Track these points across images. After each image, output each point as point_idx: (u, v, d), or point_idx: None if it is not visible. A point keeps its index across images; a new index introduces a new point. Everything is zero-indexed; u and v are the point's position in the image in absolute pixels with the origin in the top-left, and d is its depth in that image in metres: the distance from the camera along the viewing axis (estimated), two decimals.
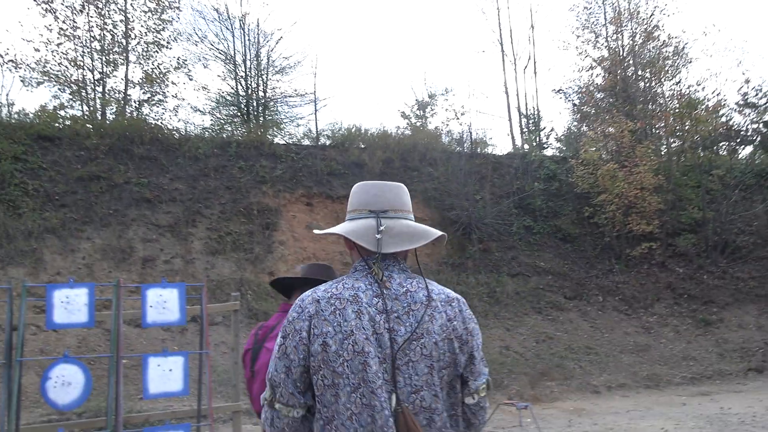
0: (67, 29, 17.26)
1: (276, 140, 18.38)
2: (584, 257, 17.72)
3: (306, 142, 18.92)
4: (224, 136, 18.01)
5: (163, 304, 7.22)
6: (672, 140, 20.20)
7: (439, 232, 1.89)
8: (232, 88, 20.15)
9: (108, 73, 18.01)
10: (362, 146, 18.29)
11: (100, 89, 17.91)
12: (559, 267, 17.04)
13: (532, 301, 15.71)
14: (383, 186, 1.85)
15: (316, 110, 19.94)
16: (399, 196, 1.88)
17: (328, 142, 18.64)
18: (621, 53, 21.35)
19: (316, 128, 19.35)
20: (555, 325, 15.07)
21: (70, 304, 6.82)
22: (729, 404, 10.18)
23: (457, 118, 23.94)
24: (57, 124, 15.57)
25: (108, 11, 17.91)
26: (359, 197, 1.86)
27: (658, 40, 20.86)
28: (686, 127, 19.04)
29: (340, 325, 1.59)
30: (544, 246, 17.65)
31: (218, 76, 22.31)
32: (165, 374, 7.00)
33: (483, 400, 1.74)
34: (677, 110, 19.09)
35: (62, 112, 16.57)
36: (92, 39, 17.64)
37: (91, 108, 17.44)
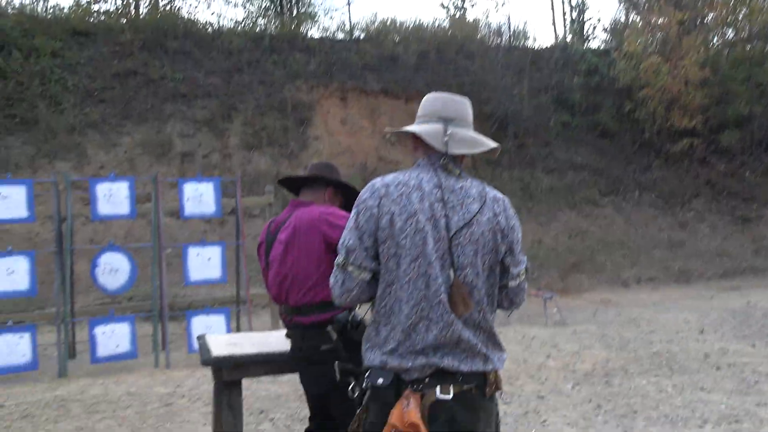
0: None
1: (310, 33, 18.08)
2: (622, 153, 17.45)
3: (340, 35, 18.56)
4: (257, 29, 17.75)
5: (199, 197, 7.51)
6: (723, 31, 19.17)
7: (495, 143, 2.15)
8: None
9: None
10: (397, 39, 17.88)
11: None
12: (595, 163, 16.86)
13: (566, 196, 15.71)
14: (452, 97, 2.13)
15: (349, 2, 19.39)
16: (465, 108, 2.14)
17: (362, 36, 18.26)
18: None
19: (350, 21, 18.94)
20: (588, 221, 15.12)
21: (113, 197, 7.13)
22: (757, 299, 10.28)
23: (497, 9, 22.90)
24: (91, 20, 15.55)
25: None
26: (431, 105, 2.11)
27: None
28: (740, 17, 18.03)
29: (405, 207, 1.87)
30: (581, 142, 17.39)
31: None
32: (204, 263, 7.39)
33: (523, 282, 2.09)
34: None
35: (96, 7, 16.47)
36: None
37: (124, 2, 17.28)
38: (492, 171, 15.88)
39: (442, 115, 2.08)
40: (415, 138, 2.08)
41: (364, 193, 1.95)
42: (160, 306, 7.35)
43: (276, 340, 3.25)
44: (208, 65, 15.37)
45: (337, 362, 2.20)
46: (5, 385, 6.29)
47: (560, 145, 17.04)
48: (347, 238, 1.91)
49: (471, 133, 2.10)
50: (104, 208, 7.20)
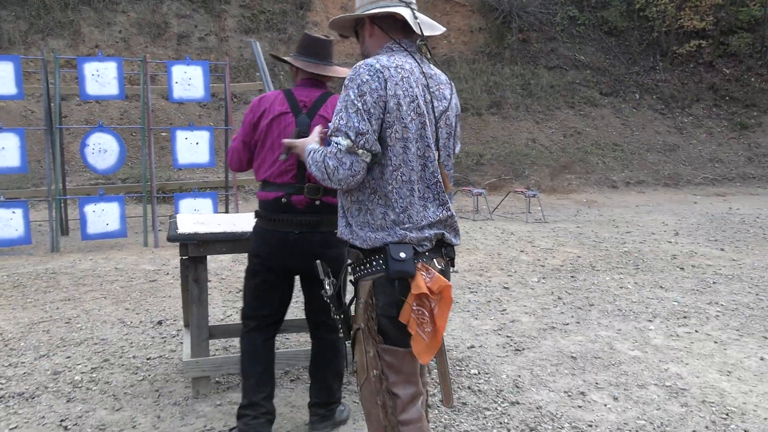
0: None
1: None
2: (628, 53, 17.09)
3: None
4: None
5: (188, 80, 7.51)
6: None
7: (443, 28, 2.13)
8: None
9: None
10: None
11: None
12: (599, 61, 16.56)
13: (566, 95, 15.55)
14: None
15: None
16: None
17: None
18: None
19: None
20: (585, 121, 15.06)
21: (101, 77, 7.14)
22: (739, 205, 10.45)
23: None
24: None
25: None
26: None
27: None
28: None
29: (407, 90, 1.88)
30: (586, 39, 16.99)
31: None
32: (192, 147, 7.51)
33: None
34: None
35: None
36: None
37: None
38: (492, 66, 15.65)
39: None
40: (374, 22, 2.03)
41: (363, 75, 1.87)
42: (149, 188, 7.53)
43: (242, 221, 3.43)
44: None
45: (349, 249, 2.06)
46: (1, 258, 6.59)
47: (565, 41, 16.67)
48: (354, 120, 1.84)
49: (424, 16, 2.07)
50: (93, 88, 7.23)
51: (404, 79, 1.88)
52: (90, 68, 7.20)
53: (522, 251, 7.03)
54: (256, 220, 2.80)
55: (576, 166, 13.33)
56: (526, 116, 14.74)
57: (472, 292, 5.44)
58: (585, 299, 5.25)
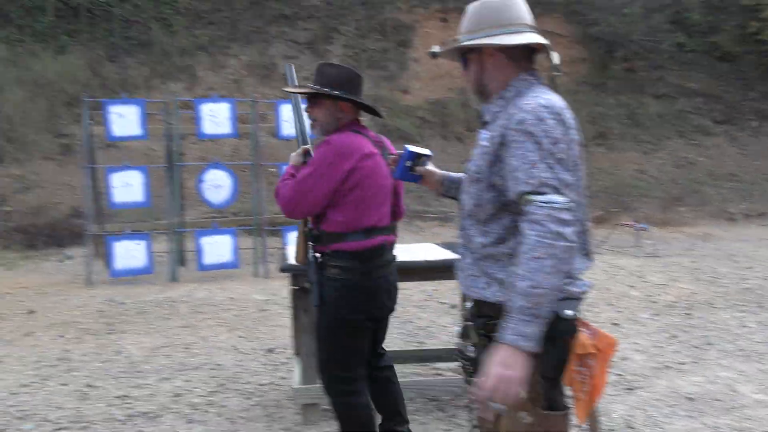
0: None
1: None
2: (742, 78, 16.24)
3: None
4: None
5: None
6: None
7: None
8: None
9: None
10: None
11: None
12: (711, 88, 15.83)
13: (675, 124, 14.94)
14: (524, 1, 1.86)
15: None
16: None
17: None
18: None
19: None
20: (698, 150, 14.38)
21: (216, 117, 7.60)
22: None
23: None
24: None
25: None
26: (517, 11, 1.79)
27: None
28: None
29: (575, 135, 1.71)
30: (696, 65, 16.31)
31: None
32: None
33: None
34: None
35: None
36: None
37: None
38: (596, 96, 15.30)
39: (530, 23, 1.78)
40: (501, 50, 1.76)
41: (548, 120, 1.62)
42: (259, 221, 7.87)
43: None
44: None
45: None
46: (125, 286, 7.07)
47: (673, 69, 16.07)
48: (560, 173, 1.58)
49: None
50: (208, 127, 7.71)
51: (572, 122, 1.69)
52: (206, 109, 7.69)
53: (632, 286, 6.77)
54: (343, 276, 2.54)
55: (689, 198, 12.72)
56: (633, 147, 14.26)
57: None
58: (702, 338, 4.98)
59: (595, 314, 5.67)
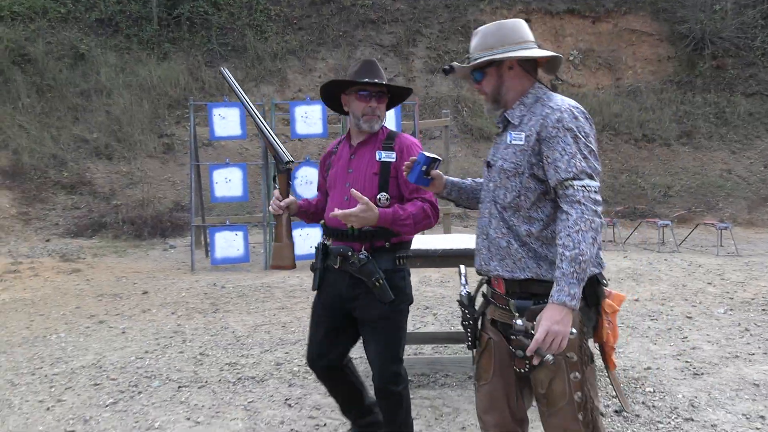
0: None
1: None
2: None
3: None
4: None
5: None
6: None
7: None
8: None
9: None
10: None
11: None
12: None
13: (767, 123, 14.52)
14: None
15: None
16: None
17: None
18: None
19: None
20: None
21: (308, 118, 8.16)
22: None
23: None
24: None
25: None
26: (526, 30, 2.08)
27: None
28: None
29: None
30: None
31: None
32: None
33: None
34: None
35: None
36: None
37: None
38: (683, 94, 15.07)
39: (534, 41, 2.09)
40: (520, 63, 2.05)
41: (580, 117, 1.94)
42: None
43: (435, 240, 3.92)
44: None
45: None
46: (225, 273, 7.74)
47: (766, 66, 15.58)
48: (593, 162, 1.90)
49: None
50: (301, 127, 8.29)
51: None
52: (300, 111, 8.27)
53: (709, 283, 6.84)
54: (406, 264, 2.70)
55: None
56: (721, 146, 13.98)
57: (652, 319, 5.48)
58: None
59: (669, 308, 5.84)
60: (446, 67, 2.12)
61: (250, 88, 14.29)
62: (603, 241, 9.69)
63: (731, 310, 5.78)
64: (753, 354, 4.52)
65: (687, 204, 12.15)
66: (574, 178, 1.86)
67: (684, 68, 15.58)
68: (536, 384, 1.98)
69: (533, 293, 1.97)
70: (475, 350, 2.16)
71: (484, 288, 2.19)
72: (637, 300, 6.15)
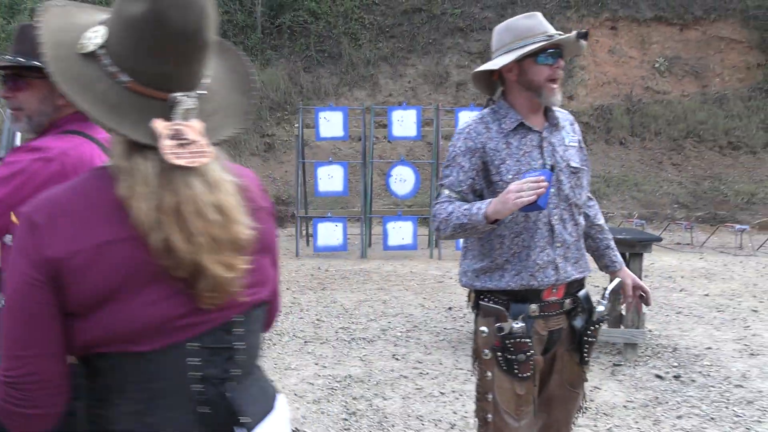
0: None
1: None
2: None
3: None
4: None
5: None
6: None
7: None
8: None
9: None
10: None
11: None
12: None
13: None
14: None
15: None
16: None
17: None
18: None
19: None
20: None
21: (404, 122, 8.98)
22: None
23: None
24: None
25: None
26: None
27: None
28: None
29: None
30: None
31: None
32: None
33: None
34: None
35: None
36: None
37: None
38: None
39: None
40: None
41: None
42: None
43: None
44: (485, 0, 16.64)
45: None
46: (327, 259, 8.66)
47: None
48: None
49: None
50: (397, 130, 9.12)
51: None
52: (396, 115, 9.11)
53: None
54: None
55: None
56: None
57: (719, 311, 5.97)
58: None
59: (736, 302, 6.30)
60: (584, 30, 2.06)
61: (344, 92, 15.30)
62: (680, 244, 10.12)
63: None
64: None
65: None
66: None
67: None
68: (571, 365, 2.16)
69: (582, 286, 2.20)
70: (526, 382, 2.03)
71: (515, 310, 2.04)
72: (707, 295, 6.62)
